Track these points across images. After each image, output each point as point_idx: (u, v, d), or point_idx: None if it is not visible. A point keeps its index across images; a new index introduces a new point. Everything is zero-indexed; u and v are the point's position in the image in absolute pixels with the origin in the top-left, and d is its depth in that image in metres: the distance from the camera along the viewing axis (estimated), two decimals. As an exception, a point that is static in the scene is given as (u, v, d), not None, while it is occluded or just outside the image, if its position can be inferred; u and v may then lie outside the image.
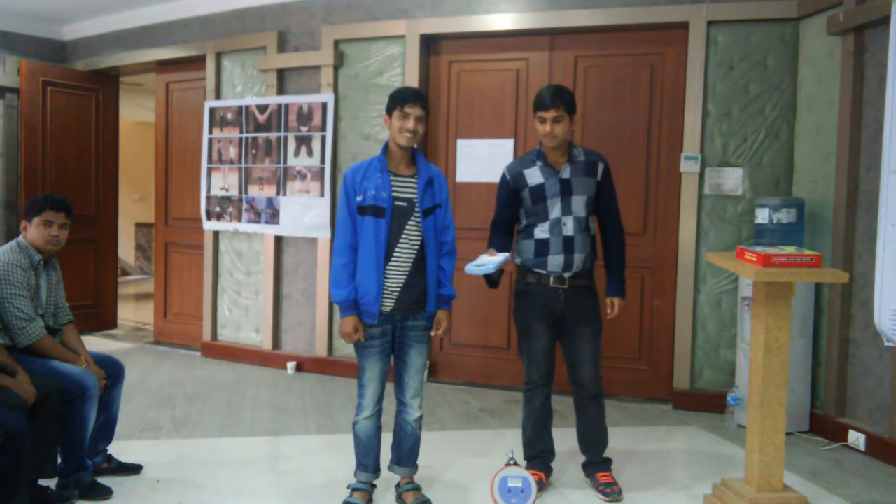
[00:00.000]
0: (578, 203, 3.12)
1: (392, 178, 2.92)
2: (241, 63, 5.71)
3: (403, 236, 2.90)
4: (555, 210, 3.11)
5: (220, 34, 5.80)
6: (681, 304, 4.61)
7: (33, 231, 3.14)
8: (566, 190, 3.11)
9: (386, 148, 2.97)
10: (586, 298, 3.18)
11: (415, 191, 2.92)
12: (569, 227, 3.10)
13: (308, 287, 5.43)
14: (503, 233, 3.27)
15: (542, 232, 3.13)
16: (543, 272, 3.15)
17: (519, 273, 3.26)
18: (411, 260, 2.91)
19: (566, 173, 3.13)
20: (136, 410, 4.32)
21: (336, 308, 5.32)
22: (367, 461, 3.04)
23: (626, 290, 3.27)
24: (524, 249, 3.20)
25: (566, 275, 3.12)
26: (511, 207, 3.22)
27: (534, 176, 3.14)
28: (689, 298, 4.59)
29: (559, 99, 3.05)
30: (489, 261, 2.98)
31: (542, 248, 3.13)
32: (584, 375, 3.20)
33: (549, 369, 3.23)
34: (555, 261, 3.12)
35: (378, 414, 3.01)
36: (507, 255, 3.04)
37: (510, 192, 3.19)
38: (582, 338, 3.17)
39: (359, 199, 2.90)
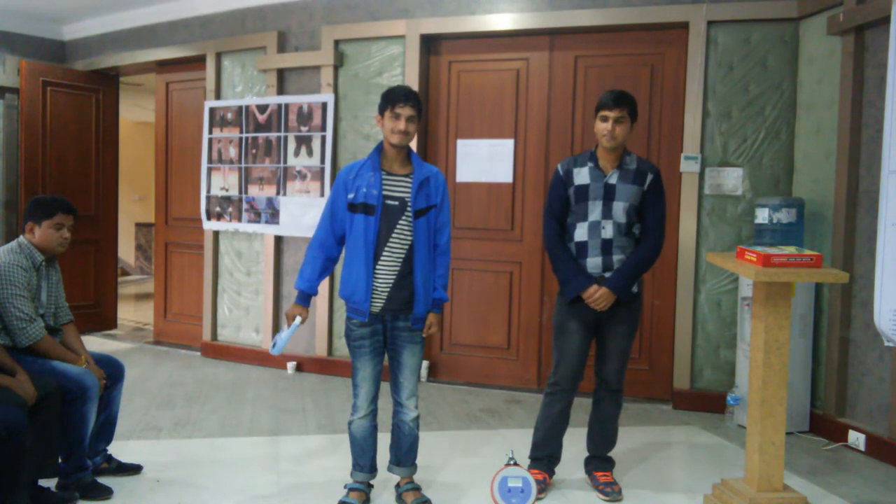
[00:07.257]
0: (619, 208, 3.11)
1: (385, 176, 2.91)
2: (241, 63, 5.71)
3: (394, 236, 2.89)
4: (594, 213, 3.12)
5: (220, 34, 5.80)
6: (681, 304, 4.62)
7: (43, 233, 3.13)
8: (609, 195, 3.11)
9: (380, 147, 2.97)
10: (626, 301, 3.15)
11: (408, 191, 2.91)
12: (608, 230, 3.11)
13: (308, 287, 5.41)
14: (556, 221, 3.21)
15: (581, 235, 3.14)
16: None
17: None
18: (401, 260, 2.90)
19: (613, 178, 3.13)
20: (136, 410, 4.32)
21: (336, 309, 5.36)
22: (364, 461, 3.04)
23: (624, 293, 3.08)
24: None
25: (606, 275, 3.12)
26: (563, 200, 3.20)
27: (581, 176, 3.16)
28: (689, 298, 4.59)
29: (624, 101, 3.08)
30: (282, 336, 2.96)
31: (581, 250, 3.15)
32: (608, 369, 3.22)
33: (576, 371, 3.20)
34: (593, 262, 3.13)
35: (373, 413, 3.01)
36: (297, 323, 2.96)
37: (563, 185, 3.20)
38: (614, 334, 3.18)
39: (350, 196, 2.90)
